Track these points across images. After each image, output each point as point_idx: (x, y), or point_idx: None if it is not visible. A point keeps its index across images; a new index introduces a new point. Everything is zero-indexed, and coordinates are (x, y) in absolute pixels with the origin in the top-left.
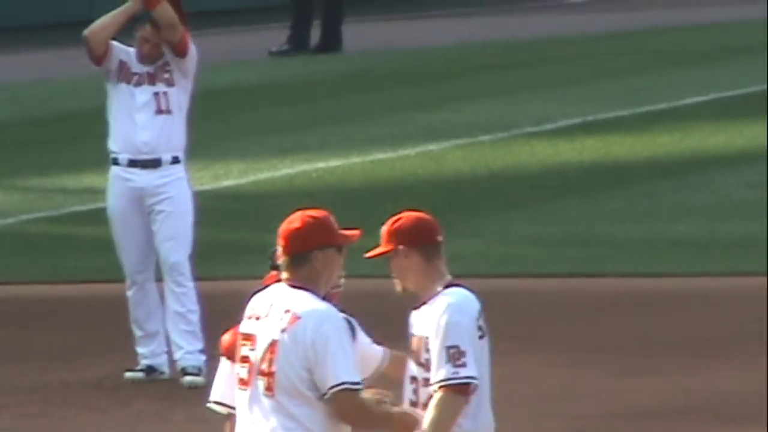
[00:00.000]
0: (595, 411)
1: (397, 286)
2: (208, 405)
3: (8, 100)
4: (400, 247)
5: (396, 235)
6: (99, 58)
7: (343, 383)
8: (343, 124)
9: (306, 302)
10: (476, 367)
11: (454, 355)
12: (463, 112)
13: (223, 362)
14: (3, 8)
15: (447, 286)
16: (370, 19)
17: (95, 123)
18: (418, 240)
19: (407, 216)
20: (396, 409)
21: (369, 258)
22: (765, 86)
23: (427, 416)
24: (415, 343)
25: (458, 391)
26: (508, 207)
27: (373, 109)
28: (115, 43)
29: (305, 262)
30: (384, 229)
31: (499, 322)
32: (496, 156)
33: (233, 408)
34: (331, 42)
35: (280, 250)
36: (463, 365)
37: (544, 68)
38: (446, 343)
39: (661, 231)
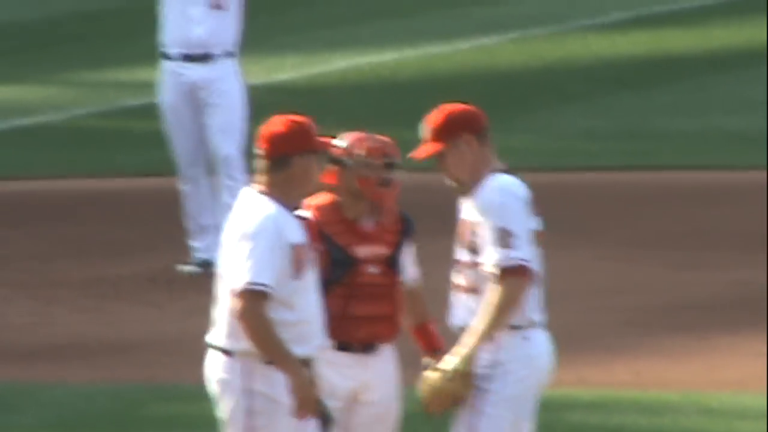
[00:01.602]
0: (648, 304)
1: (451, 180)
2: None
3: None
4: (463, 134)
5: (454, 126)
6: None
7: (244, 283)
8: (397, 17)
9: (253, 204)
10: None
11: (504, 237)
12: (517, 4)
13: None
14: None
15: (494, 172)
16: None
17: (149, 17)
18: (476, 127)
19: (452, 108)
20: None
21: (421, 159)
22: None
23: (484, 305)
24: (464, 226)
25: (512, 273)
26: (562, 100)
27: (426, 2)
28: None
29: (284, 167)
30: (434, 124)
31: (552, 215)
32: (550, 49)
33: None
34: None
35: (259, 152)
36: (512, 247)
37: None
38: (495, 225)
39: (715, 124)
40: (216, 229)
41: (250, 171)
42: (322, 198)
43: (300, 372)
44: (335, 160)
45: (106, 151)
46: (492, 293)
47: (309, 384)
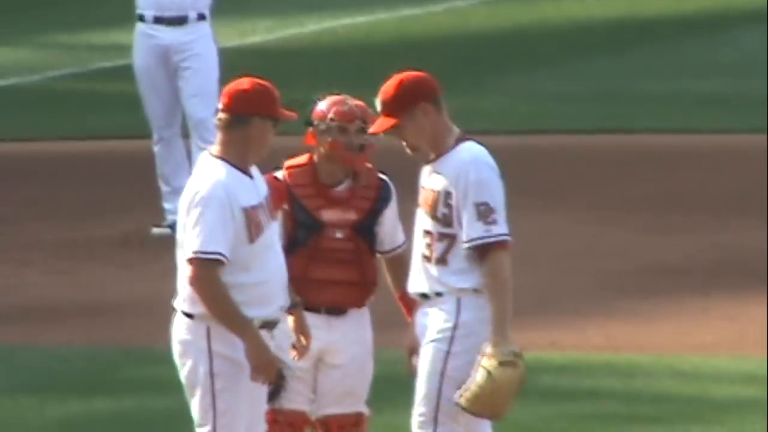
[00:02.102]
0: (621, 267)
1: (410, 148)
2: None
3: None
4: (419, 104)
5: (408, 97)
6: None
7: (194, 252)
8: None
9: (205, 169)
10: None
11: (484, 212)
12: None
13: None
14: None
15: (459, 140)
16: None
17: None
18: (431, 94)
19: (403, 77)
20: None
21: (375, 133)
22: None
23: (489, 288)
24: (430, 196)
25: (500, 247)
26: (535, 63)
27: None
28: None
29: (243, 126)
30: (386, 96)
31: (526, 178)
32: (523, 12)
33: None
34: None
35: (221, 108)
36: (494, 222)
37: None
38: (475, 200)
39: (688, 87)
40: None
41: None
42: (299, 160)
43: (255, 336)
44: (310, 123)
45: (79, 113)
46: (491, 273)
47: (264, 347)
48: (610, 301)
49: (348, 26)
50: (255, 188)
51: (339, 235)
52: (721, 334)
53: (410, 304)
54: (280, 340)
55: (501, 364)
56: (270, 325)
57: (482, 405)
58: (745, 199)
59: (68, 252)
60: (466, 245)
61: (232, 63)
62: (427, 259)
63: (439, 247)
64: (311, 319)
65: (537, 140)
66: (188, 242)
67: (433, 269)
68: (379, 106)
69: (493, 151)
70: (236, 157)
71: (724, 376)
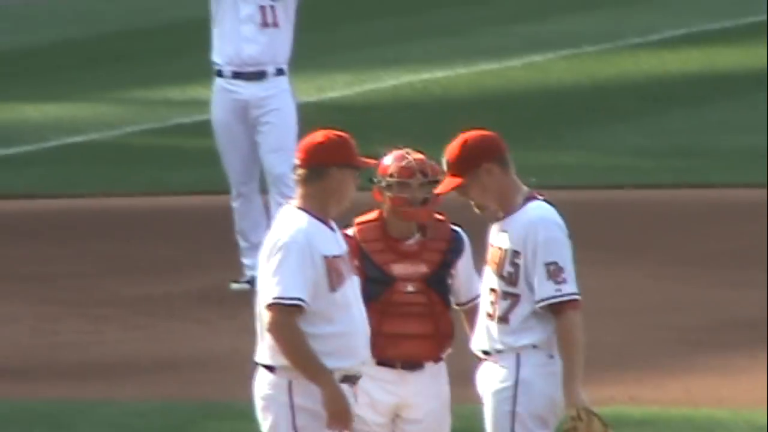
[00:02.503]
0: (699, 322)
1: (477, 207)
2: None
3: (113, 11)
4: (483, 164)
5: (472, 157)
6: None
7: (274, 298)
8: (447, 35)
9: (285, 218)
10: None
11: (555, 272)
12: (567, 23)
13: None
14: None
15: (527, 198)
16: None
17: (200, 34)
18: (495, 153)
19: (467, 137)
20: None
21: (441, 194)
22: None
23: (560, 346)
24: (497, 254)
25: (570, 307)
26: (613, 118)
27: (476, 19)
28: None
29: (320, 177)
30: (451, 157)
31: (604, 233)
32: (601, 67)
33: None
34: None
35: (297, 162)
36: (564, 281)
37: None
38: (545, 260)
39: (765, 141)
40: None
41: None
42: (369, 216)
43: (333, 383)
44: (375, 180)
45: (158, 168)
46: (563, 331)
47: (341, 396)
48: (689, 355)
49: (426, 81)
50: (336, 239)
51: (411, 288)
52: None
53: None
54: (357, 395)
55: (564, 430)
56: (352, 379)
57: None
58: None
59: (146, 308)
60: (538, 305)
61: (310, 118)
62: (490, 317)
63: (502, 305)
64: (386, 373)
65: (614, 195)
66: (268, 288)
67: (494, 327)
68: (445, 166)
69: (571, 206)
70: (317, 208)
71: None
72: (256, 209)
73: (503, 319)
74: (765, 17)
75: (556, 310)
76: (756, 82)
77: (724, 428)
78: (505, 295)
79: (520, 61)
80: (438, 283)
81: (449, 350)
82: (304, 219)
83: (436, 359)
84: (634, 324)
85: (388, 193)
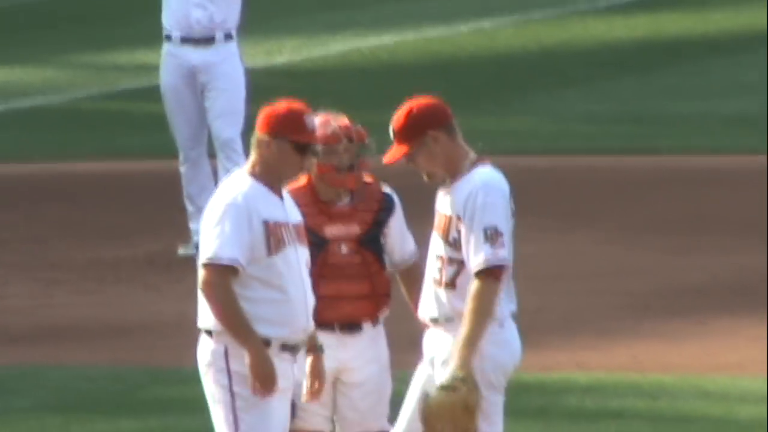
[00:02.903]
0: (646, 288)
1: (426, 175)
2: None
3: None
4: (429, 132)
5: (417, 126)
6: None
7: (208, 258)
8: (396, 0)
9: (230, 182)
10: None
11: (492, 236)
12: None
13: None
14: None
15: (474, 164)
16: None
17: None
18: (441, 120)
19: (415, 104)
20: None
21: (390, 163)
22: None
23: (468, 308)
24: (442, 220)
25: (494, 275)
26: (561, 84)
27: None
28: None
29: (266, 146)
30: (398, 126)
31: (551, 199)
32: (549, 32)
33: None
34: None
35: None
36: (501, 245)
37: None
38: (483, 224)
39: (714, 108)
40: None
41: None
42: (300, 180)
43: (258, 348)
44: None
45: (106, 133)
46: (477, 295)
47: (266, 361)
48: (636, 321)
49: (374, 46)
50: (282, 207)
51: (345, 249)
52: (747, 355)
53: None
54: (303, 365)
55: (442, 387)
56: (292, 348)
57: (427, 425)
58: None
59: (95, 272)
60: (474, 269)
61: (259, 83)
62: (437, 283)
63: (449, 271)
64: (325, 338)
65: (562, 161)
66: (203, 248)
67: (442, 294)
68: (391, 135)
69: (519, 172)
70: (264, 175)
71: (749, 396)
72: (204, 174)
73: (450, 285)
74: None
75: (482, 273)
76: (704, 48)
77: (670, 394)
78: (451, 261)
79: (467, 26)
80: (371, 242)
81: (386, 310)
82: (247, 183)
83: (374, 320)
84: (581, 290)
85: (314, 160)
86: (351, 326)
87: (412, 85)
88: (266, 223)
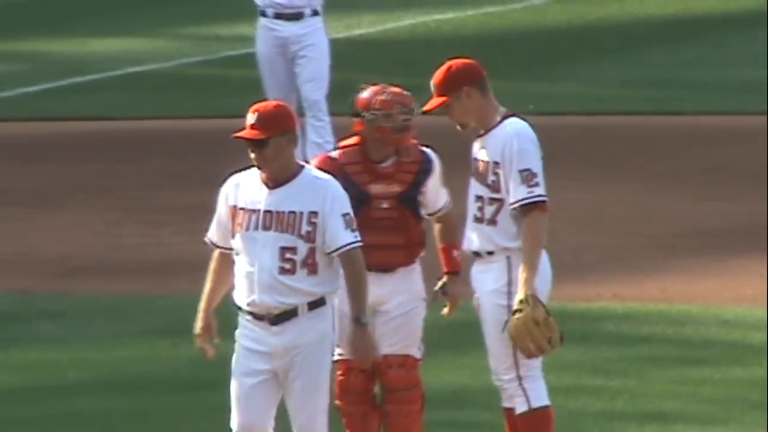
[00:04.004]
0: (673, 230)
1: (459, 125)
2: None
3: None
4: (464, 87)
5: (454, 81)
6: None
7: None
8: None
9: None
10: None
11: (527, 177)
12: None
13: None
14: None
15: (504, 117)
16: None
17: None
18: (476, 78)
19: (454, 63)
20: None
21: (428, 111)
22: None
23: (523, 240)
24: (481, 166)
25: (540, 207)
26: (600, 54)
27: None
28: None
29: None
30: (437, 80)
31: (590, 153)
32: (591, 9)
33: None
34: None
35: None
36: (536, 185)
37: None
38: (519, 167)
39: (733, 76)
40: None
41: (332, 113)
42: (352, 140)
43: (201, 309)
44: (358, 114)
45: (208, 95)
46: (528, 228)
47: (197, 320)
48: (665, 259)
49: (439, 21)
50: (260, 196)
51: (385, 205)
52: (760, 289)
53: (448, 257)
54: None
55: (513, 313)
56: (254, 315)
57: (517, 345)
58: None
59: (195, 215)
60: (513, 206)
61: (339, 52)
62: (479, 220)
63: (489, 210)
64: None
65: (601, 120)
66: None
67: (485, 229)
68: (432, 88)
69: (564, 129)
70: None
71: (762, 324)
72: None
73: (492, 222)
74: None
75: (526, 210)
76: (725, 24)
77: (694, 322)
78: (491, 200)
79: (521, 4)
80: (409, 200)
81: (422, 254)
82: (239, 175)
83: (407, 264)
84: (616, 231)
85: (375, 124)
86: (386, 269)
87: (472, 55)
88: (232, 207)
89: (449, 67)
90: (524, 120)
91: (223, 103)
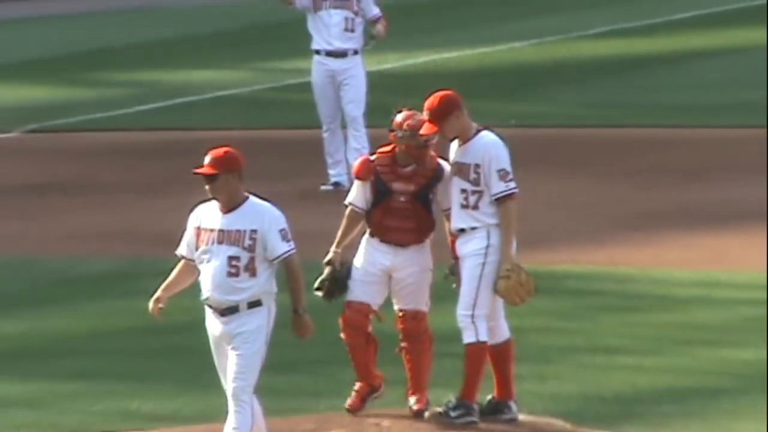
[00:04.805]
0: (619, 212)
1: (446, 139)
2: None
3: (247, 12)
4: (453, 112)
5: (445, 110)
6: None
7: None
8: (462, 28)
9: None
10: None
11: (503, 174)
12: (538, 20)
13: (356, 182)
14: None
15: (478, 131)
16: None
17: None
18: (459, 104)
19: (443, 95)
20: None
21: (426, 135)
22: None
23: (502, 225)
24: (463, 167)
25: (512, 198)
26: (566, 82)
27: (489, 16)
28: None
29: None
30: (433, 109)
31: (558, 156)
32: (558, 49)
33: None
34: None
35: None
36: (510, 180)
37: None
38: (497, 168)
39: (664, 98)
40: (345, 162)
41: (367, 126)
42: (386, 149)
43: (158, 292)
44: (392, 130)
45: (275, 113)
46: (504, 213)
47: (151, 301)
48: (613, 234)
49: (445, 58)
50: (219, 220)
51: (402, 199)
52: (684, 255)
53: (454, 245)
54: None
55: (500, 278)
56: (212, 307)
57: (506, 300)
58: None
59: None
60: (494, 197)
61: (373, 81)
62: (465, 207)
63: (473, 199)
64: (384, 247)
65: (566, 132)
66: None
67: (471, 213)
68: (426, 114)
69: (538, 138)
70: (218, 197)
71: (685, 282)
72: (338, 139)
73: (476, 207)
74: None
75: (503, 200)
76: (653, 60)
77: (633, 280)
78: (474, 192)
79: (506, 45)
80: (422, 196)
81: (431, 235)
82: (208, 203)
83: (419, 243)
84: (577, 214)
85: (404, 141)
86: (401, 245)
87: (469, 83)
88: (195, 228)
89: (441, 98)
90: (494, 132)
91: (286, 119)
